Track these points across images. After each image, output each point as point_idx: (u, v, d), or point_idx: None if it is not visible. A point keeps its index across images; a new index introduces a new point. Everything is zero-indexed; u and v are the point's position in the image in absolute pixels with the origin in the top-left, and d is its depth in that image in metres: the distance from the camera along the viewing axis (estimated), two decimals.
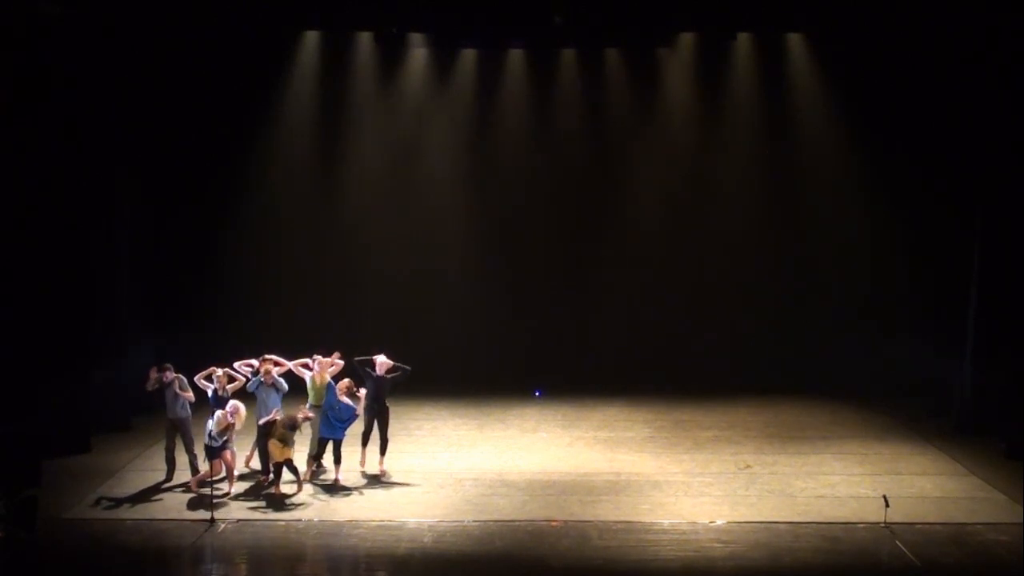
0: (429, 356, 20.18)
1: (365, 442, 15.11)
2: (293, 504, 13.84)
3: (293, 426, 14.18)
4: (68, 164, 16.16)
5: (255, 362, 14.98)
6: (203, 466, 14.48)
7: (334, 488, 14.47)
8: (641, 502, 14.02)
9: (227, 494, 14.01)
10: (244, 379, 14.87)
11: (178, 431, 14.67)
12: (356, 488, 14.52)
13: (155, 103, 18.24)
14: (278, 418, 14.29)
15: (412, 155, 21.10)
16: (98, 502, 13.96)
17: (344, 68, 20.63)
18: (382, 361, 15.12)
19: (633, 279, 21.15)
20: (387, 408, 15.19)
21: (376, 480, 14.79)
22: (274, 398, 14.67)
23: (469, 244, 21.18)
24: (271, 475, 14.37)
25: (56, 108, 15.85)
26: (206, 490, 13.83)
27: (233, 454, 14.48)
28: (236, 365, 14.96)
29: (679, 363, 20.65)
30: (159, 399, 14.92)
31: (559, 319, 21.17)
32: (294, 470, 14.26)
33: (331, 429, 14.60)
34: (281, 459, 14.11)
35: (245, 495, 14.21)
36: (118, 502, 13.95)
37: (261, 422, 14.52)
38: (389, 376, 15.09)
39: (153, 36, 17.74)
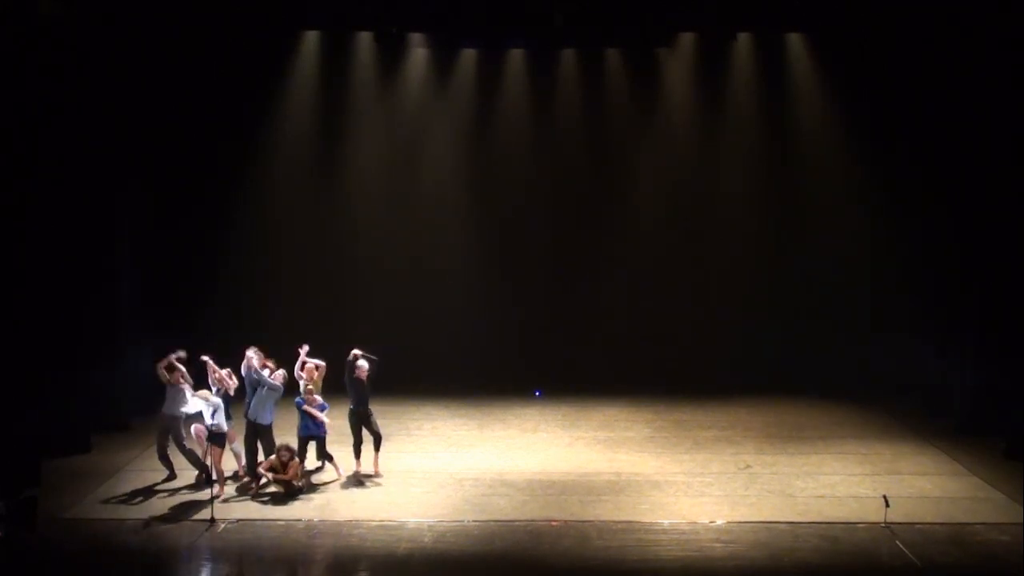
0: (429, 355, 20.35)
1: (358, 452, 14.92)
2: (292, 504, 13.83)
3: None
4: (67, 164, 16.15)
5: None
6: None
7: (334, 488, 14.46)
8: (641, 502, 14.01)
9: (218, 496, 13.82)
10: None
11: (170, 431, 14.63)
12: (356, 488, 14.52)
13: (155, 103, 18.23)
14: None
15: (412, 155, 21.09)
16: (98, 502, 13.93)
17: (344, 68, 20.63)
18: (362, 366, 14.87)
19: (634, 279, 21.14)
20: (370, 410, 14.94)
21: (375, 480, 14.78)
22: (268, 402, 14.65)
23: (469, 244, 21.16)
24: (251, 475, 14.42)
25: (55, 108, 15.84)
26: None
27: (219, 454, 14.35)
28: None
29: (679, 363, 20.62)
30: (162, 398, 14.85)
31: (559, 319, 21.14)
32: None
33: (315, 426, 14.58)
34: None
35: (245, 495, 14.20)
36: (118, 502, 13.94)
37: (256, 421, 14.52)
38: (367, 377, 14.91)
39: (153, 36, 17.73)
